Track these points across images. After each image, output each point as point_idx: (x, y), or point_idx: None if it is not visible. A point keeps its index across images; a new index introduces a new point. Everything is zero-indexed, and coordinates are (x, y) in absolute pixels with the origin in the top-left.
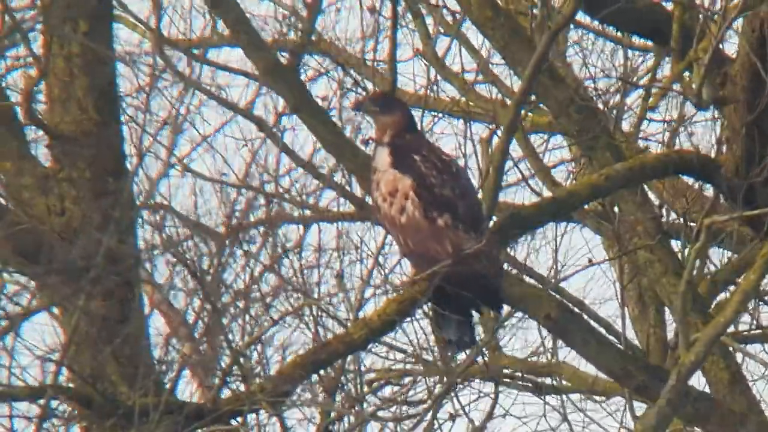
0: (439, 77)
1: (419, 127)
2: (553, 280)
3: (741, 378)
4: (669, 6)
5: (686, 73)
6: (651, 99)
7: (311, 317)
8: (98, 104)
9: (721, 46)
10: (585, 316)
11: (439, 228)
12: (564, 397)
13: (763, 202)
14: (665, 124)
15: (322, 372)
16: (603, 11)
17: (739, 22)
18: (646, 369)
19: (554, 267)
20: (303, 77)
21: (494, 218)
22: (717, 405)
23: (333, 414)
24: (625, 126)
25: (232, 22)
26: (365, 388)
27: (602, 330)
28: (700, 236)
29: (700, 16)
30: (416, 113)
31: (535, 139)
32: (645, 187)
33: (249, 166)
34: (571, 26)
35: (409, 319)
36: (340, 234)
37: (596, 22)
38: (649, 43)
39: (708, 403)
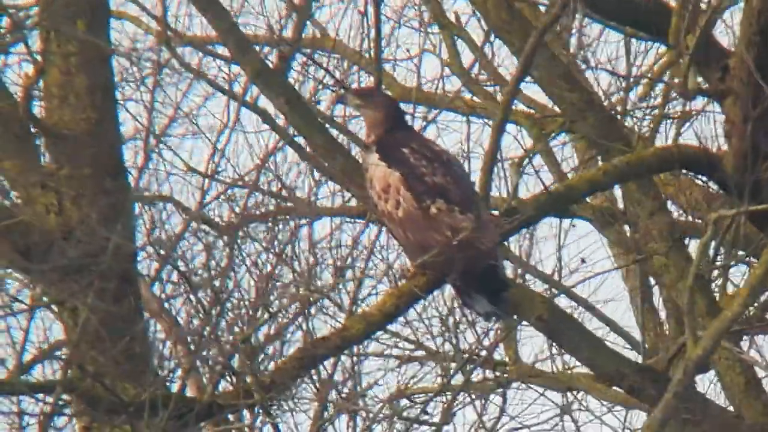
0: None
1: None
2: (560, 283)
3: (756, 383)
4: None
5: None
6: (641, 90)
7: (309, 311)
8: (96, 102)
9: (722, 38)
10: (579, 318)
11: (434, 215)
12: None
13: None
14: (674, 121)
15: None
16: (601, 8)
17: (737, 17)
18: (640, 370)
19: (558, 266)
20: (297, 85)
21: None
22: (711, 405)
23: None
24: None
25: (217, 24)
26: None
27: (606, 329)
28: (707, 230)
29: (690, 6)
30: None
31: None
32: (661, 190)
33: (264, 162)
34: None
35: (409, 311)
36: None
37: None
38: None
39: (703, 405)
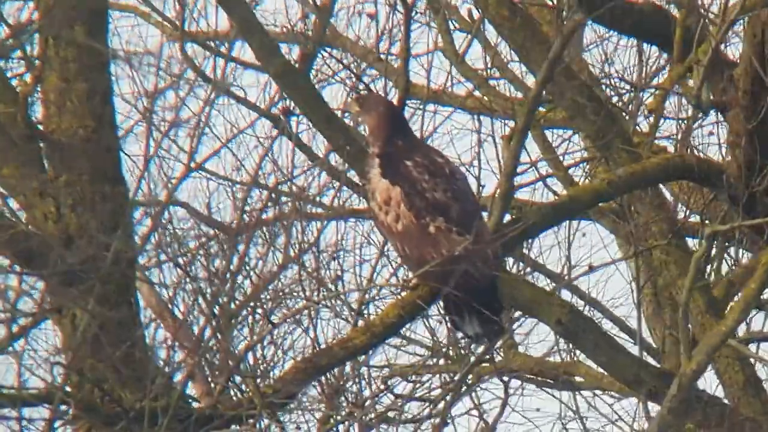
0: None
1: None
2: (566, 278)
3: (756, 381)
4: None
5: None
6: (651, 102)
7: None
8: (94, 110)
9: (724, 49)
10: (597, 321)
11: (433, 233)
12: (578, 395)
13: (764, 209)
14: (679, 125)
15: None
16: (599, 12)
17: (741, 27)
18: (658, 374)
19: (567, 265)
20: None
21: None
22: (728, 410)
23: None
24: (644, 126)
25: (241, 24)
26: (374, 388)
27: (617, 329)
28: (702, 244)
29: (701, 18)
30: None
31: (552, 136)
32: (661, 186)
33: (260, 162)
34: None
35: (413, 321)
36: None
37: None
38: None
39: (719, 409)
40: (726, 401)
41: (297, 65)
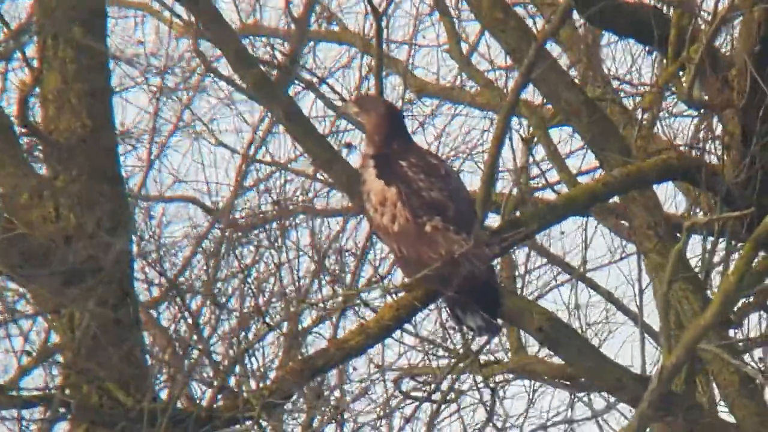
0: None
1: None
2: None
3: (750, 382)
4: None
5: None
6: (644, 101)
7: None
8: (92, 110)
9: (722, 49)
10: (577, 329)
11: (430, 232)
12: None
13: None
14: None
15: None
16: (590, 11)
17: (736, 26)
18: (640, 381)
19: (583, 258)
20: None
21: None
22: (709, 415)
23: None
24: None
25: (218, 36)
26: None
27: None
28: (682, 238)
29: (692, 18)
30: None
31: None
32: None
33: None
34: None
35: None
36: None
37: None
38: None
39: (699, 413)
40: (705, 407)
41: (274, 77)
